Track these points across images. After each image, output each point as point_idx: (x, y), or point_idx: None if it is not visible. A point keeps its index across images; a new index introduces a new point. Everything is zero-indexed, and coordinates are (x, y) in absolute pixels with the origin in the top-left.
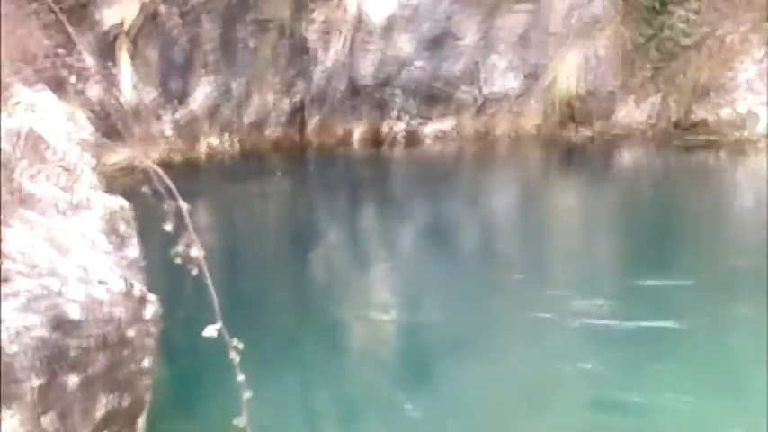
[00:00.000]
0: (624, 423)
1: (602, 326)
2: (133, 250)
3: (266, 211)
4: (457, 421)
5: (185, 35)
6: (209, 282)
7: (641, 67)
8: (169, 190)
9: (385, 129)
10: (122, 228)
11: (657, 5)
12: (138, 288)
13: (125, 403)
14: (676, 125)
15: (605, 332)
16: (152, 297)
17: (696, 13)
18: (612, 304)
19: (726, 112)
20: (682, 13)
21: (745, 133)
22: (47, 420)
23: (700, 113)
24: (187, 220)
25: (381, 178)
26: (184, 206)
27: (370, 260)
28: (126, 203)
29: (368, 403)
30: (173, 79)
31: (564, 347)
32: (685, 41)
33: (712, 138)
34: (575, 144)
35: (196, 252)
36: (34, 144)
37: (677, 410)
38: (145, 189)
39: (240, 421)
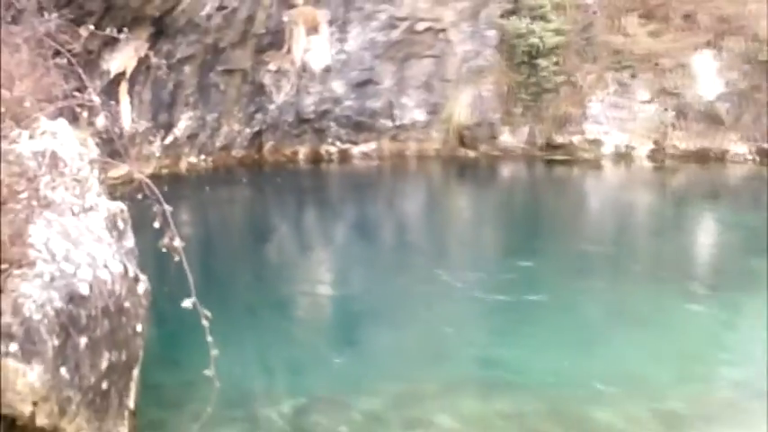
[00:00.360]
0: (501, 373)
1: (484, 298)
2: (129, 242)
3: (232, 210)
4: (372, 370)
5: (171, 80)
6: (186, 265)
7: (515, 105)
8: (156, 196)
9: (323, 150)
10: (121, 225)
11: (527, 59)
12: (133, 270)
13: (123, 358)
14: (542, 148)
15: (487, 302)
16: (143, 277)
17: (556, 64)
18: (493, 281)
19: (578, 138)
20: (545, 64)
21: (593, 154)
22: (64, 370)
23: (559, 139)
24: (170, 218)
25: (320, 187)
26: (168, 208)
27: (311, 248)
28: (124, 206)
29: (306, 357)
30: (161, 113)
31: (455, 314)
32: (548, 85)
33: (569, 157)
34: (466, 161)
35: (177, 243)
36: (54, 162)
37: (543, 363)
38: (139, 196)
39: (209, 372)
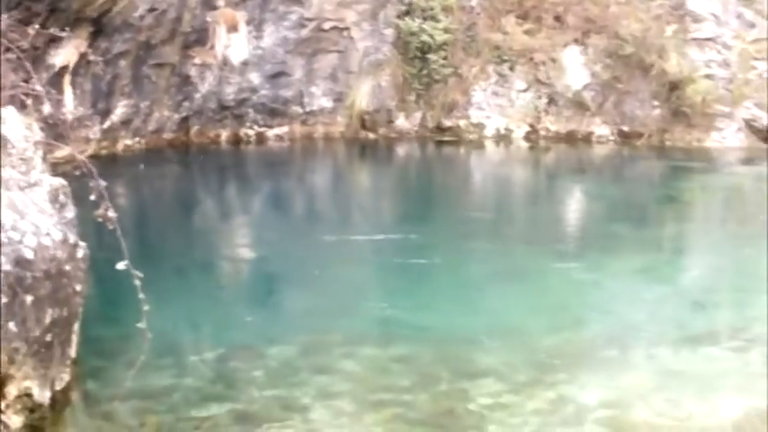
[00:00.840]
0: (397, 326)
1: (382, 260)
2: (70, 213)
3: (163, 184)
4: (284, 324)
5: (109, 73)
6: (120, 233)
7: (409, 93)
8: (92, 173)
9: (242, 133)
10: (62, 198)
11: (419, 54)
12: (73, 238)
13: (64, 314)
14: (432, 130)
15: (385, 264)
16: (82, 244)
17: (444, 58)
18: (390, 245)
19: (464, 122)
20: (435, 58)
21: (477, 136)
22: (12, 325)
23: (447, 123)
24: (104, 192)
25: (240, 164)
26: (102, 183)
27: (231, 217)
28: (65, 182)
29: (227, 313)
30: (100, 102)
31: (356, 275)
32: (437, 77)
33: (456, 138)
34: (367, 142)
35: (111, 213)
36: (4, 144)
37: (434, 317)
38: (78, 173)
39: (142, 325)
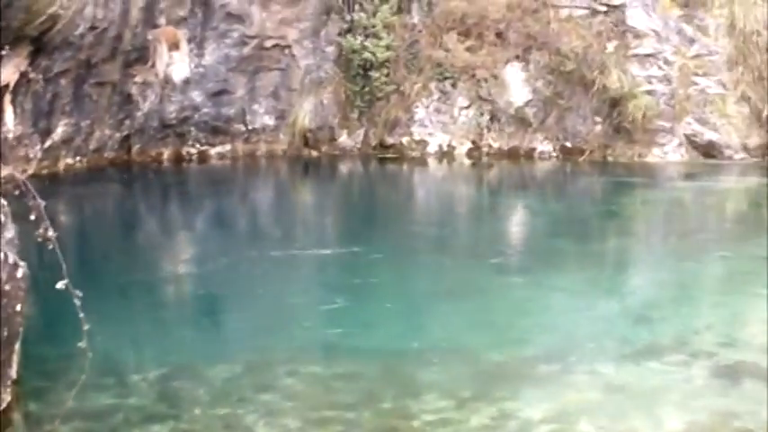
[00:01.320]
0: (341, 342)
1: (326, 277)
2: (9, 233)
3: (105, 203)
4: (228, 341)
5: (49, 92)
6: (59, 252)
7: (352, 111)
8: (32, 193)
9: (184, 151)
10: (2, 218)
11: (362, 71)
12: (12, 258)
13: (5, 334)
14: (375, 147)
15: (329, 281)
16: (22, 263)
17: (387, 76)
18: (334, 261)
19: (406, 139)
20: (377, 76)
21: (419, 153)
22: None
23: (390, 140)
24: (43, 212)
25: (182, 183)
26: (41, 203)
27: (173, 234)
28: (4, 201)
29: (170, 331)
30: (41, 120)
31: (300, 292)
32: (380, 94)
33: (399, 155)
34: (310, 160)
35: (50, 233)
36: None
37: (378, 332)
38: (17, 192)
39: (82, 344)
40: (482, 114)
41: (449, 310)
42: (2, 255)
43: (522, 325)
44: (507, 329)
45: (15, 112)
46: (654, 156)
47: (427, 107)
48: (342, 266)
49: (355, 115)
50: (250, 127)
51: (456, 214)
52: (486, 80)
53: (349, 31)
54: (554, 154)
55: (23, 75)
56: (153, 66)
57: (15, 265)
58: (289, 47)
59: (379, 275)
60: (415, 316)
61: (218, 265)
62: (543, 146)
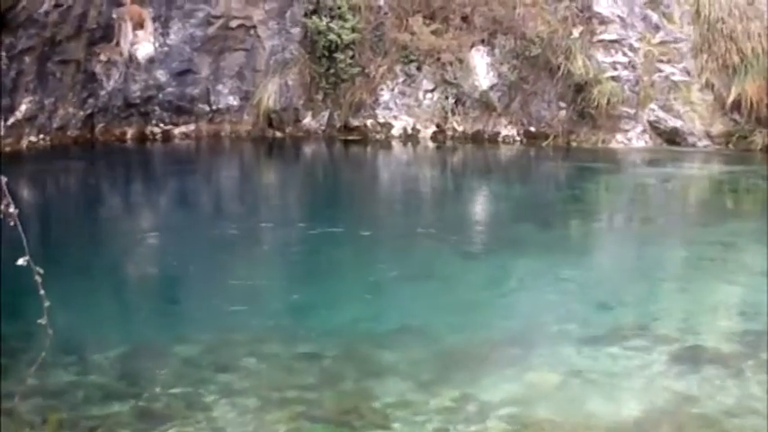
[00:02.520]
0: (303, 323)
1: (289, 257)
2: None
3: (67, 180)
4: (189, 322)
5: (13, 69)
6: (21, 228)
7: (317, 92)
8: None
9: (148, 131)
10: None
11: (327, 53)
12: None
13: None
14: (339, 129)
15: (291, 261)
16: None
17: (352, 58)
18: (297, 243)
19: (371, 122)
20: (342, 57)
21: (384, 135)
22: None
23: (355, 122)
24: (5, 188)
25: (146, 162)
26: (3, 179)
27: (136, 212)
28: None
29: (131, 311)
30: (4, 98)
31: (262, 272)
32: (345, 76)
33: (363, 138)
34: (274, 141)
35: (12, 209)
36: None
37: (340, 314)
38: None
39: (42, 321)
40: (447, 98)
41: (410, 292)
42: None
43: (484, 309)
44: (469, 312)
45: None
46: (617, 142)
47: (392, 90)
48: (303, 246)
49: (320, 97)
50: (214, 107)
51: (419, 197)
52: (451, 64)
53: (314, 12)
54: (518, 138)
55: None
56: (117, 44)
57: None
58: (254, 27)
59: (341, 256)
60: (377, 297)
61: (179, 244)
62: (507, 130)
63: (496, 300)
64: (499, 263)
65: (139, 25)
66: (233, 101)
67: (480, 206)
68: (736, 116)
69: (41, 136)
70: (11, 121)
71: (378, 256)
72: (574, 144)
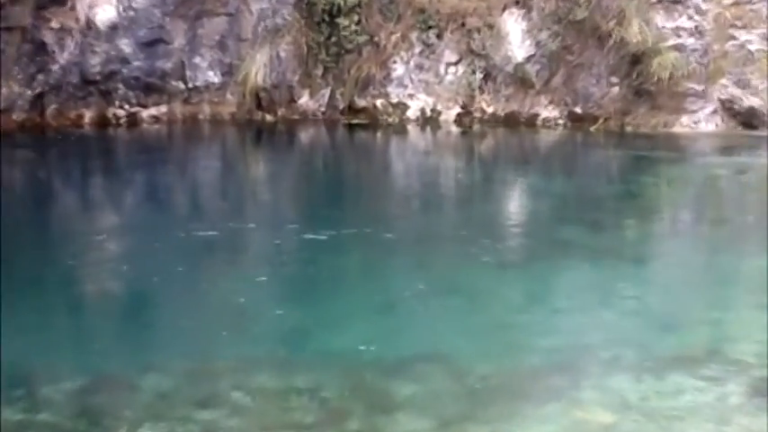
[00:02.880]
0: (300, 348)
1: (283, 269)
2: None
3: (11, 174)
4: (163, 347)
5: None
6: None
7: (315, 66)
8: None
9: (110, 113)
10: None
11: (327, 18)
12: None
13: None
14: (343, 111)
15: (287, 273)
16: None
17: (358, 23)
18: (294, 250)
19: (381, 102)
20: (346, 23)
21: (397, 118)
22: None
23: (361, 102)
24: None
25: (107, 151)
26: None
27: (97, 215)
28: None
29: (92, 334)
30: None
31: (251, 287)
32: (349, 46)
33: (371, 121)
34: (264, 126)
35: None
36: None
37: (346, 336)
38: None
39: None
40: (474, 72)
41: (431, 310)
42: None
43: (521, 330)
44: (503, 335)
45: None
46: (682, 125)
47: (407, 63)
48: (300, 254)
49: (319, 72)
50: (191, 85)
51: (441, 194)
52: (478, 30)
53: None
54: (561, 121)
55: None
56: (72, 8)
57: None
58: None
59: (346, 265)
60: (390, 317)
61: (150, 253)
62: (548, 111)
63: (536, 319)
64: (539, 274)
65: None
66: (213, 77)
67: (516, 204)
68: None
69: None
70: None
71: (391, 265)
72: (629, 128)
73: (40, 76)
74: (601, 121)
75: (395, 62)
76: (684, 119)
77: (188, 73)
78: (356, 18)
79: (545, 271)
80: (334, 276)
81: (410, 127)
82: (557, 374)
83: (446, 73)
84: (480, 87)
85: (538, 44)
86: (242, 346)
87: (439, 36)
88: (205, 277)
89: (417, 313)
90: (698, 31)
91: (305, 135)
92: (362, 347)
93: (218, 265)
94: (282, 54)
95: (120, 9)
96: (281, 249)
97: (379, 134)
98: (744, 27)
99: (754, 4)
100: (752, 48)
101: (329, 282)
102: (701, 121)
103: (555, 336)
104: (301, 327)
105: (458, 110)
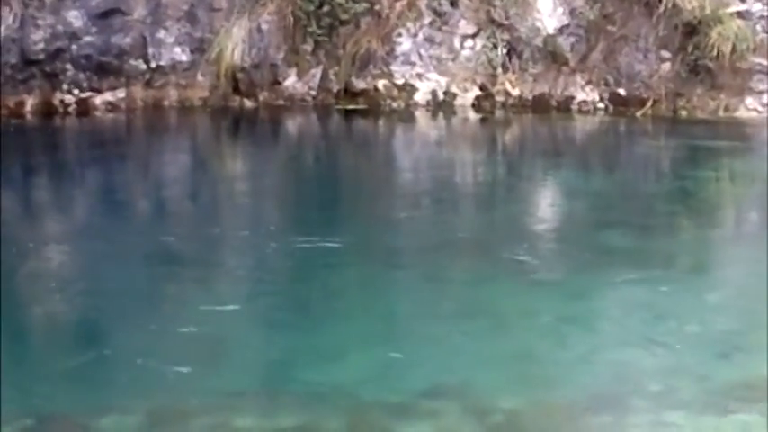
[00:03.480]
0: (289, 381)
1: (268, 287)
2: None
3: None
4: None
5: None
6: None
7: (304, 41)
8: None
9: (56, 100)
10: None
11: None
12: None
13: None
14: (338, 95)
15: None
16: None
17: None
18: (280, 265)
19: (384, 83)
20: None
21: (403, 103)
22: None
23: (360, 84)
24: None
25: (53, 145)
26: None
27: (41, 224)
28: None
29: (37, 366)
30: None
31: (229, 309)
32: (345, 16)
33: (372, 107)
34: (242, 113)
35: None
36: None
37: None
38: None
39: None
40: (495, 47)
41: (448, 334)
42: None
43: (556, 356)
44: (534, 363)
45: None
46: (747, 109)
47: (415, 36)
48: (287, 268)
49: (309, 48)
50: (153, 64)
51: (458, 195)
52: None
53: None
54: (601, 105)
55: None
56: None
57: None
58: None
59: (344, 283)
60: (397, 344)
61: (104, 265)
62: (585, 93)
63: (573, 343)
64: (577, 289)
65: None
66: (181, 55)
67: (548, 206)
68: None
69: None
70: None
71: (397, 280)
72: (683, 113)
73: None
74: (649, 104)
75: (400, 35)
76: (750, 101)
77: (150, 50)
78: None
79: (583, 286)
80: (329, 294)
81: (419, 113)
82: (599, 410)
83: (462, 48)
84: (503, 65)
85: (572, 12)
86: (217, 381)
87: (453, 3)
88: (172, 297)
89: (430, 339)
90: None
91: (292, 124)
92: (363, 381)
93: (188, 283)
94: (264, 27)
95: None
96: (263, 262)
97: (381, 122)
98: None
99: None
100: None
101: (323, 301)
102: None
103: (596, 364)
104: (289, 357)
105: (476, 92)
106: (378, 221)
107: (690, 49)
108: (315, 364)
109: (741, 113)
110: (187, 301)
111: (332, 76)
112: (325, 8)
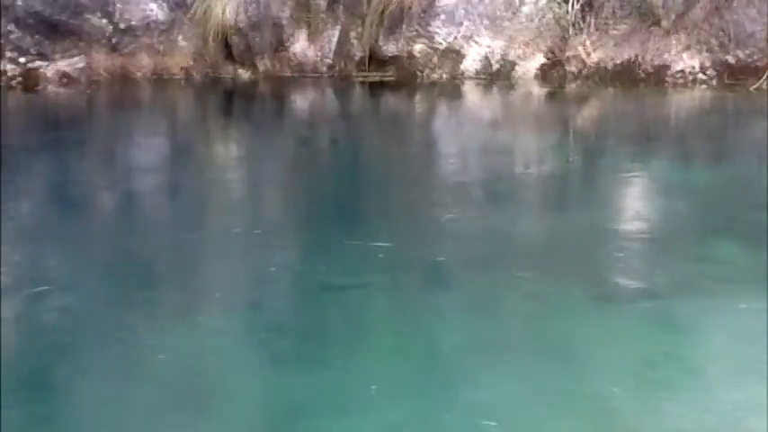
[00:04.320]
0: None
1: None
2: None
3: None
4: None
5: None
6: None
7: None
8: None
9: None
10: None
11: None
12: None
13: None
14: (360, 63)
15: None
16: None
17: None
18: (299, 271)
19: (421, 48)
20: None
21: (447, 73)
22: None
23: (390, 49)
24: None
25: None
26: None
27: None
28: None
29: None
30: None
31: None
32: None
33: (405, 79)
34: (236, 87)
35: None
36: None
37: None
38: None
39: None
40: (566, 1)
41: (513, 367)
42: None
43: (656, 398)
44: (612, 410)
45: None
46: None
47: None
48: (292, 285)
49: (323, 2)
50: (122, 25)
51: (518, 192)
52: None
53: None
54: (704, 76)
55: None
56: None
57: None
58: None
59: (367, 307)
60: (432, 384)
61: (53, 276)
62: (684, 61)
63: (665, 387)
64: (679, 312)
65: None
66: (157, 12)
67: (636, 206)
68: None
69: None
70: None
71: (435, 304)
72: None
73: None
74: (766, 75)
75: None
76: None
77: (117, 6)
78: None
79: (687, 307)
80: (347, 322)
81: (467, 87)
82: None
83: (522, 3)
84: (577, 24)
85: None
86: (223, 415)
87: None
88: (143, 323)
89: (489, 368)
90: None
91: (301, 100)
92: (407, 420)
93: (164, 304)
94: None
95: None
96: (261, 277)
97: (417, 98)
98: None
99: None
100: None
101: (338, 331)
102: None
103: (695, 413)
104: (293, 403)
105: (541, 60)
106: (413, 227)
107: None
108: (324, 411)
109: None
110: (168, 326)
111: (353, 40)
112: None
